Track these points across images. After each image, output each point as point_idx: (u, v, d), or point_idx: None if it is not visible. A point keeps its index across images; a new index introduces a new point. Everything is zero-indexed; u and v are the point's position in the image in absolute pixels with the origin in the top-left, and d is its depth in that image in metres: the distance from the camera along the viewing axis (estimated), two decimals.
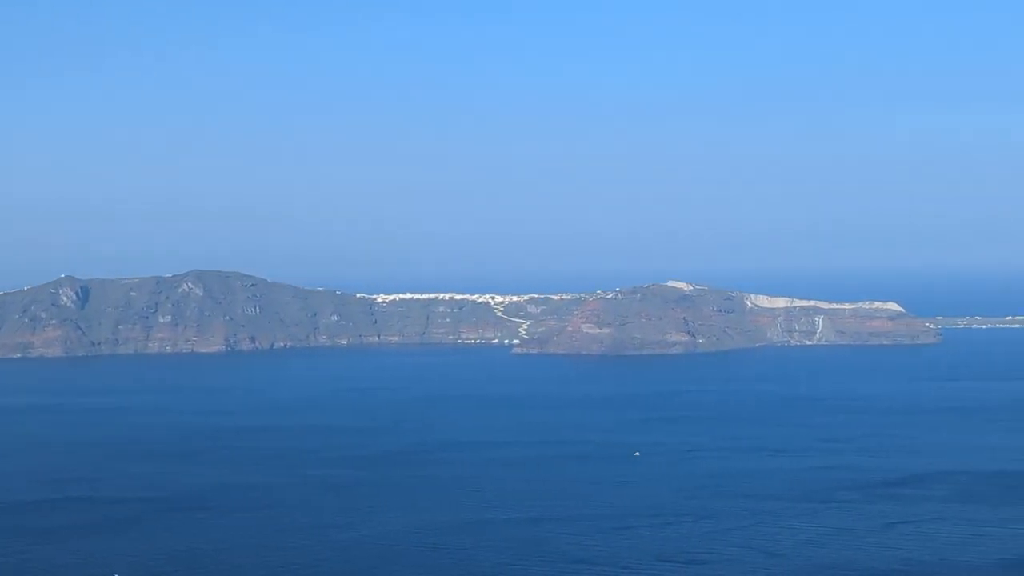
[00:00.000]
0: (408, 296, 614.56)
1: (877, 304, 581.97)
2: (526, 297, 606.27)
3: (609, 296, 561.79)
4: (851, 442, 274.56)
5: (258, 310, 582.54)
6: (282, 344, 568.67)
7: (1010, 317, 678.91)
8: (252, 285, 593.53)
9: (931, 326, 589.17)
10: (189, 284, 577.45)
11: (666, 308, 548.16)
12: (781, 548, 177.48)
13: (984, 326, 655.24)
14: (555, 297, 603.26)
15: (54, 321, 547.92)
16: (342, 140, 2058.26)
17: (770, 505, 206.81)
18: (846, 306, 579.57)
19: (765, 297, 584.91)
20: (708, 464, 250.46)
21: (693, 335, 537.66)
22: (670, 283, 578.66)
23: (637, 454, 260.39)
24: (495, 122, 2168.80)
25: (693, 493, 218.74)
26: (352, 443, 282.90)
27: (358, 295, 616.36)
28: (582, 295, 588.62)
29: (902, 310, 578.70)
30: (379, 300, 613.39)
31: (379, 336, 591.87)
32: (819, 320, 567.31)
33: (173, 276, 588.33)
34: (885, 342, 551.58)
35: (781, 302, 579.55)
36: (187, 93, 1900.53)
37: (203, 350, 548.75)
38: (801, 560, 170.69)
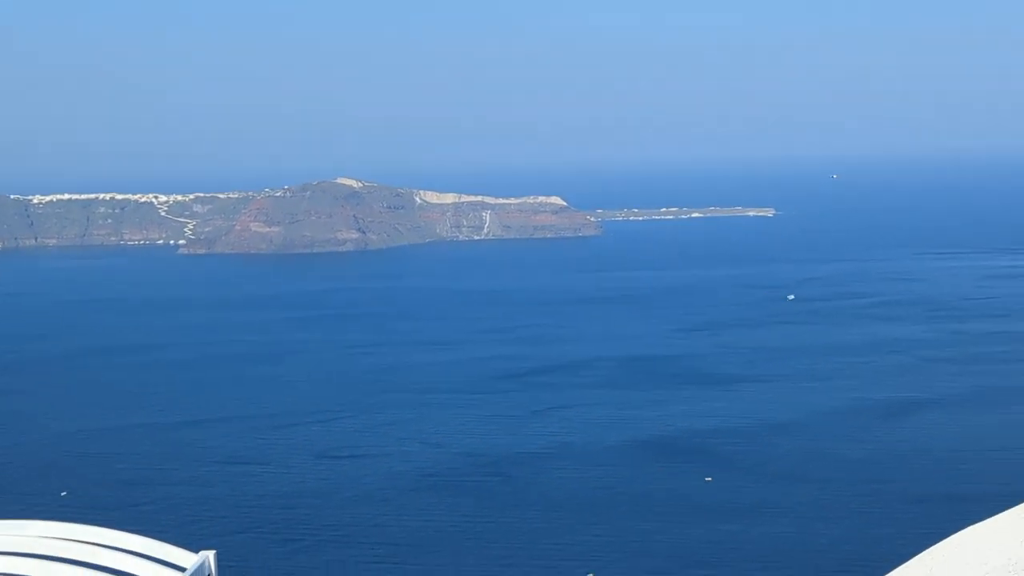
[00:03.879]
0: (66, 197, 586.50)
1: (542, 198, 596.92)
2: (192, 196, 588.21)
3: (278, 194, 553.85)
4: (511, 333, 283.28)
5: None
6: None
7: (664, 208, 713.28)
8: None
9: (592, 219, 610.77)
10: None
11: (336, 205, 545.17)
12: (440, 439, 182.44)
13: (641, 218, 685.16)
14: (222, 196, 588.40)
15: None
16: None
17: (431, 398, 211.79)
18: (512, 201, 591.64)
19: (434, 193, 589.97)
20: (372, 360, 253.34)
21: (364, 232, 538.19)
22: (339, 180, 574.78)
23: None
24: (140, 22, 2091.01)
25: (356, 389, 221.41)
26: (3, 349, 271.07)
27: (12, 196, 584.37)
28: (250, 193, 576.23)
29: (565, 204, 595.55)
30: (35, 201, 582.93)
31: (36, 239, 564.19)
32: (487, 215, 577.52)
33: None
34: (549, 235, 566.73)
35: (450, 198, 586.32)
36: None
37: None
38: (458, 448, 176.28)
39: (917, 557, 18.82)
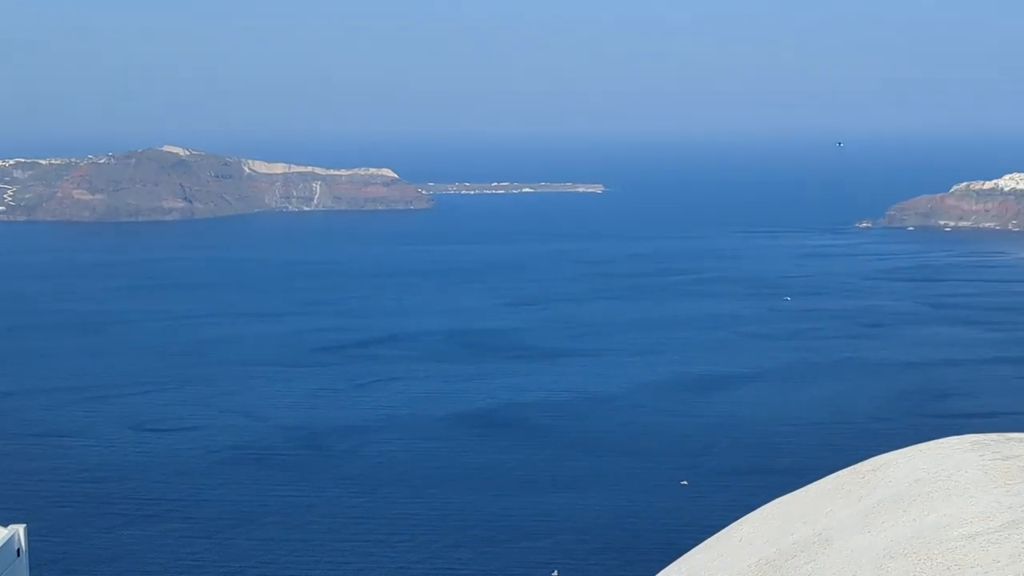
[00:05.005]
0: None
1: (373, 170, 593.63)
2: (11, 162, 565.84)
3: (101, 161, 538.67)
4: (338, 305, 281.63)
5: None
6: None
7: (496, 183, 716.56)
8: None
9: (423, 192, 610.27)
10: None
11: (162, 174, 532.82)
12: (263, 412, 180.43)
13: (473, 192, 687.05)
14: (43, 162, 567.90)
15: None
16: None
17: (255, 370, 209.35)
18: (343, 172, 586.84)
19: (263, 163, 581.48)
20: (196, 331, 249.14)
21: (190, 201, 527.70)
22: (166, 148, 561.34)
23: None
24: None
25: (178, 360, 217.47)
26: None
27: None
28: (73, 160, 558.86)
29: (396, 176, 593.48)
30: None
31: None
32: (317, 186, 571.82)
33: None
34: (380, 207, 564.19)
35: (279, 168, 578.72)
36: None
37: None
38: (282, 421, 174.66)
39: (727, 528, 18.88)
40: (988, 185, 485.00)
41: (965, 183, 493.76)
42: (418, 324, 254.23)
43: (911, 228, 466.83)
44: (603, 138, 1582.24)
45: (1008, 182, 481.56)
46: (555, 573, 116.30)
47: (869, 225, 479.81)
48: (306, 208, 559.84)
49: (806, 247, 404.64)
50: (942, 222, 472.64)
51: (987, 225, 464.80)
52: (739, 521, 19.16)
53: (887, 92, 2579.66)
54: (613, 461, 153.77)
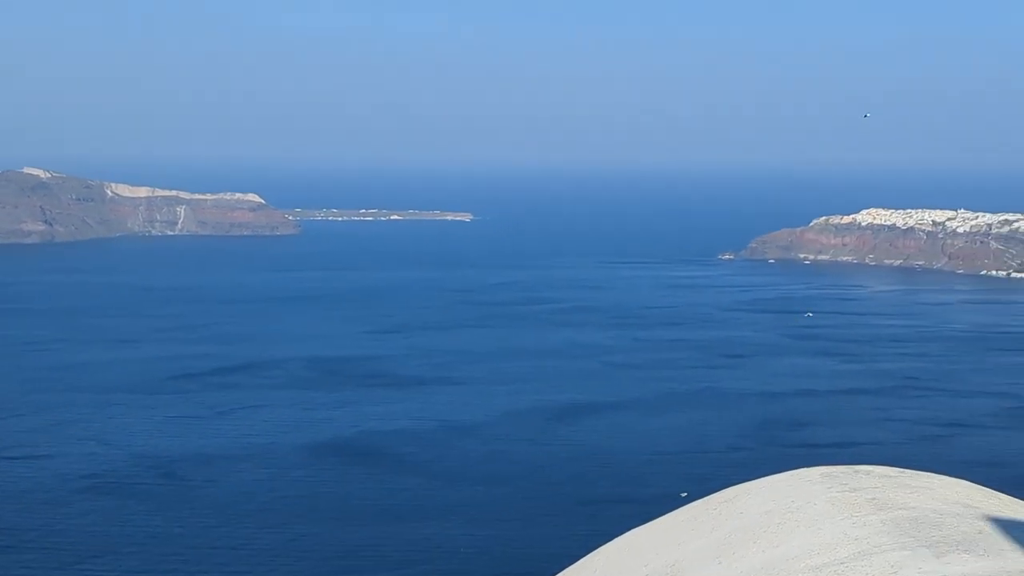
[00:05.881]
0: None
1: (239, 195, 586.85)
2: None
3: None
4: (199, 331, 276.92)
5: None
6: None
7: (364, 210, 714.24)
8: None
9: (290, 218, 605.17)
10: None
11: (21, 196, 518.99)
12: (118, 440, 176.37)
13: (340, 218, 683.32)
14: None
15: None
16: None
17: (112, 397, 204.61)
18: (208, 196, 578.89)
19: (126, 186, 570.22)
20: (52, 356, 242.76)
21: (50, 224, 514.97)
22: (26, 170, 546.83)
23: None
24: None
25: (33, 387, 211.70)
26: None
27: None
28: None
29: (263, 201, 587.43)
30: None
31: None
32: (181, 210, 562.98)
33: None
34: (246, 232, 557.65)
35: (143, 191, 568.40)
36: None
37: None
38: (138, 450, 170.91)
39: (582, 560, 18.72)
40: (846, 220, 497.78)
41: (824, 217, 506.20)
42: (281, 351, 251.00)
43: (772, 260, 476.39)
44: (473, 167, 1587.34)
45: (865, 217, 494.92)
46: None
47: (732, 257, 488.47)
48: (170, 232, 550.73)
49: (670, 278, 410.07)
50: (802, 255, 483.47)
51: (845, 259, 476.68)
52: (594, 552, 18.97)
53: (752, 127, 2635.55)
54: (475, 491, 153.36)
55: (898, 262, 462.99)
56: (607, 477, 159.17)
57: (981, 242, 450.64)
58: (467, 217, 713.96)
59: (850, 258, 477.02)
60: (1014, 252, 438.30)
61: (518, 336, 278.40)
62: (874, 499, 16.45)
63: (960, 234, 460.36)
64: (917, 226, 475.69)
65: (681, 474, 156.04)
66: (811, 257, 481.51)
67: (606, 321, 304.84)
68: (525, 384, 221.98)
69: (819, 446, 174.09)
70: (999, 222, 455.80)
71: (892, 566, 13.39)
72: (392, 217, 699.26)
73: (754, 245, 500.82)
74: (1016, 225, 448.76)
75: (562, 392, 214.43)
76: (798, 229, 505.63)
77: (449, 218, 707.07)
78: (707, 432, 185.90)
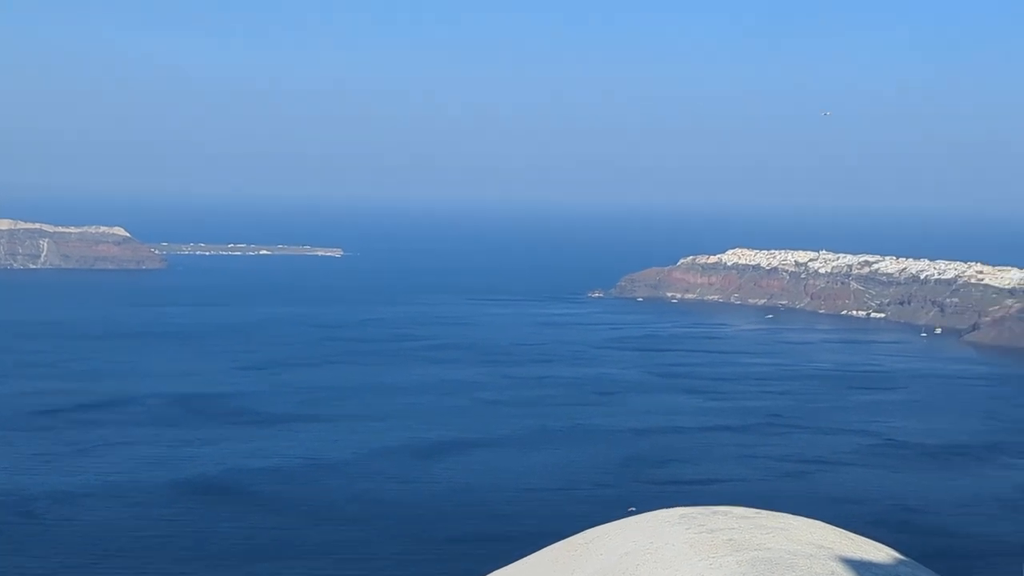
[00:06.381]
0: None
1: (104, 228, 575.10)
2: None
3: None
4: (59, 367, 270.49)
5: None
6: None
7: (232, 244, 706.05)
8: None
9: (157, 252, 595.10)
10: None
11: None
12: None
13: (208, 253, 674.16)
14: None
15: None
16: None
17: None
18: (72, 230, 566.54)
19: None
20: None
21: None
22: None
23: None
24: None
25: None
26: None
27: None
28: None
29: (128, 235, 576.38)
30: None
31: None
32: (44, 243, 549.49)
33: None
34: (111, 266, 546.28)
35: (5, 224, 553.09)
36: None
37: None
38: None
39: None
40: (713, 259, 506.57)
41: (691, 257, 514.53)
42: (146, 387, 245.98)
43: (640, 299, 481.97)
44: (344, 202, 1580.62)
45: (731, 257, 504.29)
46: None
47: (601, 295, 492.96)
48: (32, 266, 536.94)
49: (540, 315, 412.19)
50: (669, 293, 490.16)
51: (711, 298, 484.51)
52: None
53: (621, 168, 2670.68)
54: (343, 530, 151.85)
55: (762, 301, 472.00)
56: (476, 515, 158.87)
57: (842, 283, 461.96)
58: (337, 253, 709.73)
59: (716, 297, 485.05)
60: (874, 292, 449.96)
61: (387, 373, 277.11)
62: (731, 540, 16.66)
63: (822, 274, 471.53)
64: (781, 266, 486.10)
65: (549, 512, 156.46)
66: (678, 296, 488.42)
67: (476, 358, 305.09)
68: (394, 421, 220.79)
69: (684, 483, 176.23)
70: (859, 263, 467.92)
71: None
72: (261, 252, 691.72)
73: (623, 283, 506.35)
74: (876, 266, 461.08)
75: (431, 429, 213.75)
76: (666, 268, 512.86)
77: (319, 253, 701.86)
78: (576, 469, 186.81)
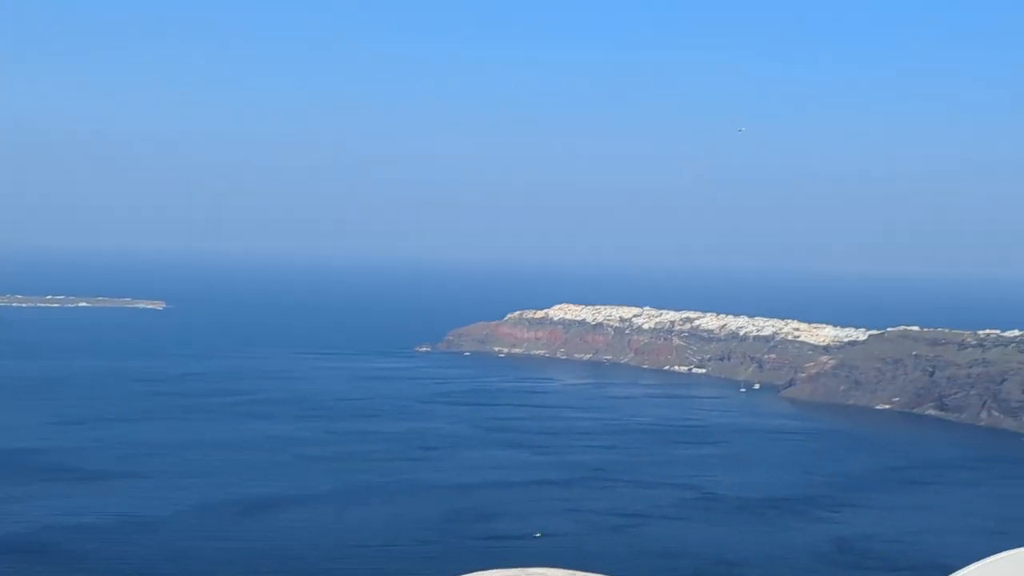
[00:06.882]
0: None
1: None
2: None
3: None
4: None
5: None
6: None
7: (50, 296, 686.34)
8: None
9: None
10: None
11: None
12: None
13: (25, 304, 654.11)
14: None
15: None
16: None
17: None
18: None
19: None
20: None
21: None
22: None
23: None
24: None
25: None
26: None
27: None
28: None
29: None
30: None
31: None
32: None
33: None
34: None
35: None
36: None
37: None
38: None
39: None
40: (539, 314, 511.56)
41: (519, 312, 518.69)
42: None
43: (468, 353, 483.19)
44: (168, 255, 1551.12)
45: (557, 312, 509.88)
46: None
47: (428, 349, 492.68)
48: None
49: (366, 369, 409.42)
50: (497, 348, 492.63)
51: (538, 352, 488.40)
52: None
53: (451, 220, 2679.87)
54: None
55: (588, 356, 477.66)
56: (296, 573, 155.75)
57: (665, 338, 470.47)
58: (160, 305, 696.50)
59: (543, 352, 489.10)
60: (695, 348, 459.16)
61: (208, 428, 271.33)
62: None
63: (646, 330, 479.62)
64: (606, 322, 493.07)
65: (369, 570, 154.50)
66: (505, 350, 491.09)
67: (299, 413, 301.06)
68: (214, 477, 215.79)
69: (508, 538, 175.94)
70: (681, 319, 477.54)
71: None
72: (80, 304, 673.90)
73: (450, 338, 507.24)
74: (697, 323, 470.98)
75: (251, 486, 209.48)
76: (493, 322, 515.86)
77: (141, 306, 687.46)
78: (399, 525, 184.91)
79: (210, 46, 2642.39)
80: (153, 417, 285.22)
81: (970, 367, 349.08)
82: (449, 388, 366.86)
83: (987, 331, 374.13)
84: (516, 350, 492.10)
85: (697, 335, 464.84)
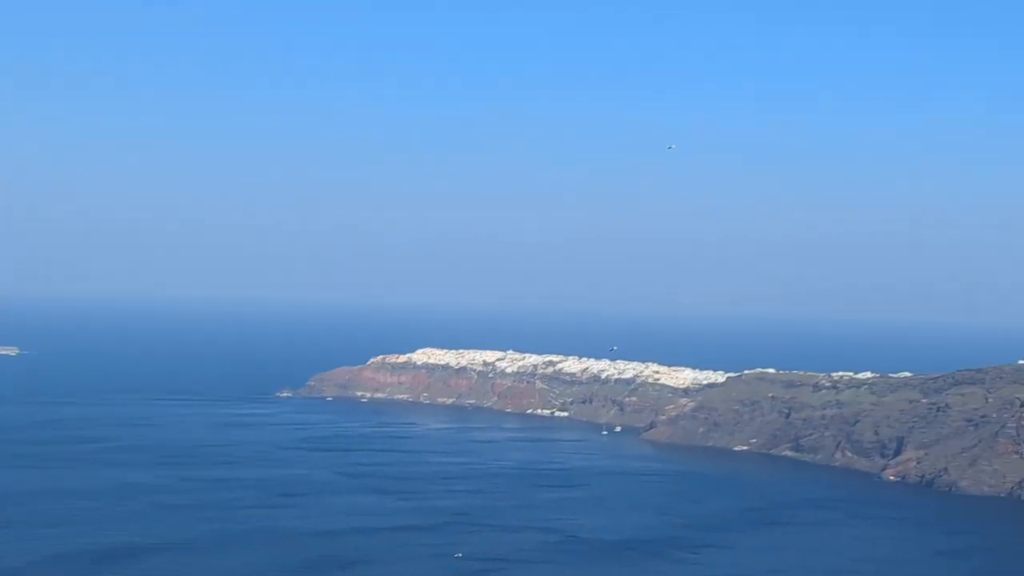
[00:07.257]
0: None
1: None
2: None
3: None
4: None
5: None
6: None
7: None
8: None
9: None
10: None
11: None
12: None
13: None
14: None
15: None
16: None
17: None
18: None
19: None
20: None
21: None
22: None
23: None
24: None
25: None
26: None
27: None
28: None
29: None
30: None
31: None
32: None
33: None
34: None
35: None
36: None
37: None
38: None
39: None
40: (402, 359, 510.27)
41: (382, 356, 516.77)
42: None
43: (330, 398, 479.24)
44: (23, 298, 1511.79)
45: (420, 356, 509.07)
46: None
47: (290, 395, 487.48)
48: None
49: (225, 415, 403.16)
50: (359, 393, 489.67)
51: (401, 397, 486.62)
52: None
53: (311, 262, 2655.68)
54: None
55: (451, 400, 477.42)
56: None
57: (528, 382, 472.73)
58: (12, 351, 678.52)
59: (406, 396, 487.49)
60: (558, 392, 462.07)
61: (62, 476, 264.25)
62: None
63: (509, 374, 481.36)
64: (469, 366, 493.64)
65: None
66: (368, 395, 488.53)
67: (155, 460, 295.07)
68: (68, 527, 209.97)
69: None
70: (544, 363, 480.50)
71: None
72: None
73: (312, 383, 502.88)
74: (559, 366, 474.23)
75: (106, 535, 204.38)
76: (356, 367, 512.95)
77: None
78: (258, 574, 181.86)
79: None
80: (5, 465, 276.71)
81: (824, 408, 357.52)
82: (311, 434, 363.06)
83: (840, 373, 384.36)
84: (379, 395, 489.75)
85: (559, 378, 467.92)
